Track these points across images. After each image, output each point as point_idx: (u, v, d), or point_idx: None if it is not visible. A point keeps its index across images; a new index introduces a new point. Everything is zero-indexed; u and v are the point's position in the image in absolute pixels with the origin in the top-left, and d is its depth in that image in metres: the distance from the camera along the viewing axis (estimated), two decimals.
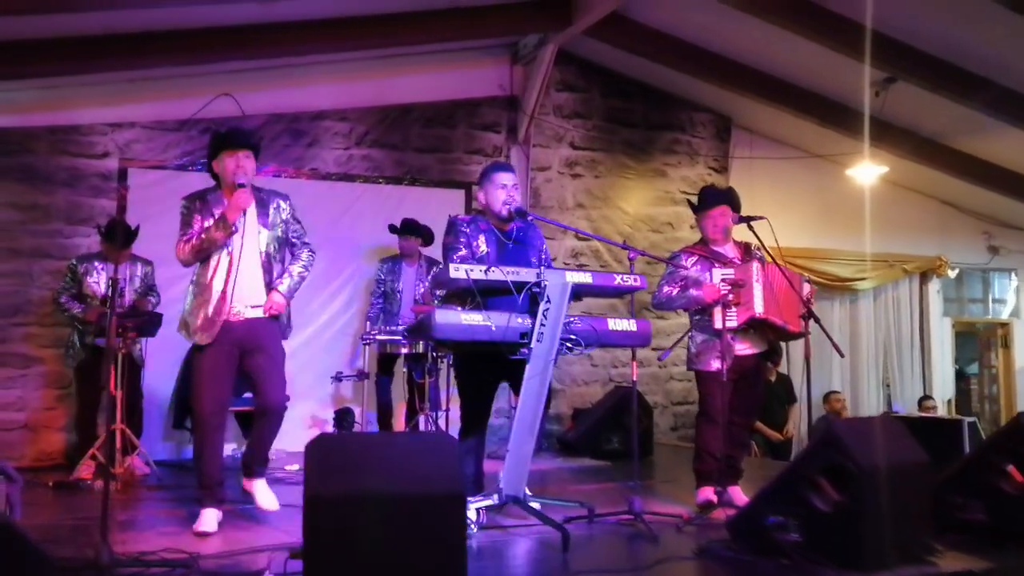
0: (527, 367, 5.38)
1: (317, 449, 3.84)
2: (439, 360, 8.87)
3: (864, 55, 9.16)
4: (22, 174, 9.36)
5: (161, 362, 9.03)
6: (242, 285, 5.78)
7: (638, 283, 5.77)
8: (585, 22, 9.91)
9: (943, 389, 13.69)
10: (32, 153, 9.42)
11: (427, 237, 9.67)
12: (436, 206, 10.34)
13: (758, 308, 6.32)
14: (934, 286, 13.86)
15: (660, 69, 11.30)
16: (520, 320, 5.38)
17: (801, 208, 12.28)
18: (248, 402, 7.80)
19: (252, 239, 5.81)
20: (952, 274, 13.83)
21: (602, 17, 9.80)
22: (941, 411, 13.05)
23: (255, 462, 6.06)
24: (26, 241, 9.34)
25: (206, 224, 5.74)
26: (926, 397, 12.98)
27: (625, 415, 9.80)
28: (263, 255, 5.87)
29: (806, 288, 6.64)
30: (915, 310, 13.80)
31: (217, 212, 5.76)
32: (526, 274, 5.41)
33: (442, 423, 8.89)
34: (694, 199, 7.08)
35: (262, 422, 6.01)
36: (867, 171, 11.49)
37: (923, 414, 11.93)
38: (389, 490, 3.79)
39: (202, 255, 5.76)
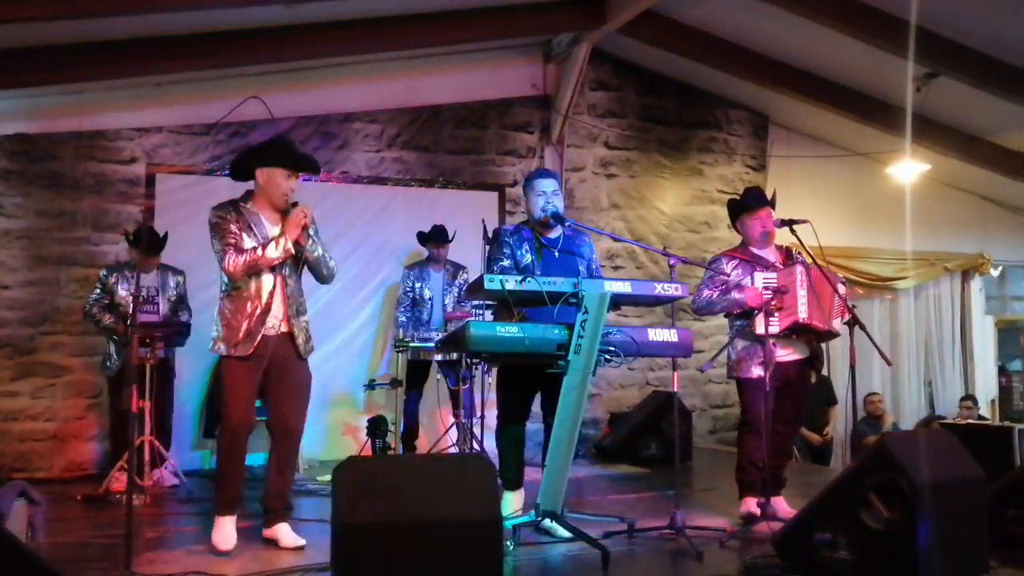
0: (564, 380, 5.20)
1: (346, 474, 3.67)
2: (473, 366, 8.69)
3: (907, 50, 8.93)
4: (48, 180, 9.25)
5: (190, 371, 8.95)
6: (276, 300, 5.63)
7: (679, 291, 5.58)
8: (619, 20, 9.72)
9: (986, 389, 13.41)
10: (58, 159, 9.30)
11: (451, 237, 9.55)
12: (469, 208, 10.18)
13: (802, 313, 6.13)
14: (976, 284, 13.57)
15: (695, 66, 11.09)
16: (557, 331, 5.20)
17: (840, 206, 12.03)
18: None
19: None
20: (995, 272, 13.55)
21: (636, 15, 9.60)
22: (984, 411, 12.77)
23: (278, 504, 5.75)
24: (53, 248, 9.22)
25: (246, 238, 5.55)
26: (965, 398, 12.68)
27: (663, 421, 9.65)
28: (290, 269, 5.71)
29: (842, 289, 6.42)
30: (957, 309, 13.52)
31: (257, 229, 5.59)
32: (563, 284, 5.23)
33: (477, 430, 8.72)
34: (733, 198, 6.90)
35: (277, 449, 5.76)
36: (909, 168, 11.22)
37: (963, 419, 11.66)
38: (422, 516, 3.62)
39: (253, 271, 5.55)
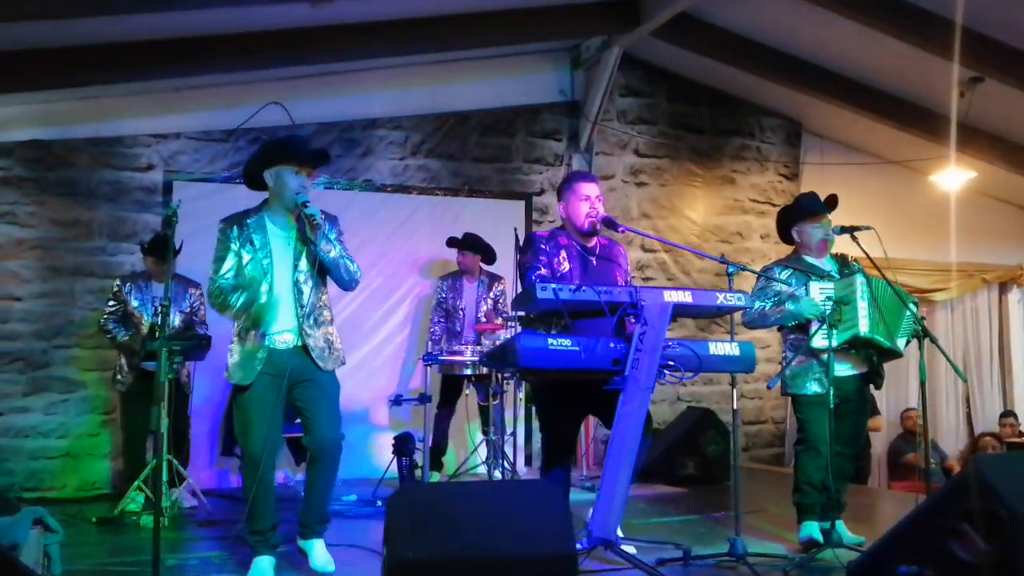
0: (621, 397, 4.83)
1: (400, 504, 3.30)
2: (505, 382, 8.33)
3: (951, 52, 8.60)
4: (63, 188, 8.98)
5: (208, 386, 8.59)
6: (285, 311, 5.26)
7: (741, 301, 5.23)
8: (653, 23, 9.38)
9: None
10: (73, 166, 9.03)
11: (490, 255, 9.17)
12: (495, 218, 9.90)
13: (863, 327, 5.75)
14: (1014, 296, 13.14)
15: (727, 71, 10.77)
16: (613, 345, 4.83)
17: (875, 216, 11.39)
18: (300, 428, 7.33)
19: (291, 262, 5.30)
20: None
21: (670, 17, 9.27)
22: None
23: (313, 519, 5.43)
24: (67, 259, 8.94)
25: (244, 254, 5.19)
26: (1006, 414, 12.28)
27: (701, 438, 9.30)
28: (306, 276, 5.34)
29: (913, 308, 6.04)
30: (995, 322, 13.11)
31: (259, 238, 5.22)
32: (619, 293, 4.87)
33: (508, 449, 8.38)
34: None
35: (315, 467, 5.41)
36: (953, 177, 10.85)
37: (1007, 436, 11.29)
38: (485, 552, 3.25)
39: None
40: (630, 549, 5.21)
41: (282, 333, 5.22)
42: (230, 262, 5.19)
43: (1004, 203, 12.86)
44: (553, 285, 4.81)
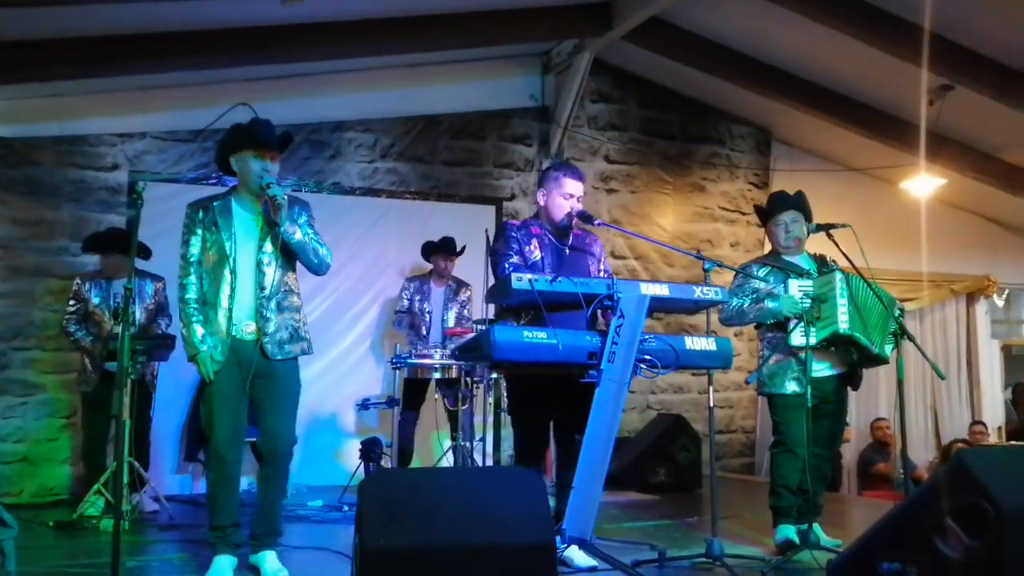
0: (596, 392, 4.70)
1: (373, 489, 3.16)
2: (474, 386, 8.20)
3: (920, 58, 8.55)
4: (25, 187, 8.82)
5: (170, 388, 8.41)
6: (246, 298, 5.13)
7: (719, 296, 5.13)
8: (625, 26, 9.32)
9: (993, 415, 12.97)
10: (36, 165, 8.88)
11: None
12: (465, 223, 9.73)
13: (842, 324, 5.68)
14: (982, 307, 13.15)
15: (698, 78, 10.72)
16: (589, 338, 4.72)
17: None
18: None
19: (255, 244, 5.17)
20: (999, 300, 13.17)
21: (641, 21, 9.22)
22: (992, 439, 12.34)
23: (265, 530, 5.22)
24: (28, 259, 8.77)
25: (207, 236, 5.10)
26: (976, 423, 12.26)
27: (672, 445, 9.23)
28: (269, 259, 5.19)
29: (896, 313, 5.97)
30: (962, 332, 13.09)
31: (225, 222, 5.09)
32: (595, 285, 4.76)
33: (477, 456, 8.24)
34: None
35: (267, 470, 5.24)
36: (924, 184, 10.81)
37: (976, 444, 11.28)
38: (462, 540, 3.12)
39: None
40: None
41: (245, 322, 5.09)
42: (196, 245, 5.12)
43: (971, 214, 12.91)
44: (529, 275, 4.67)
